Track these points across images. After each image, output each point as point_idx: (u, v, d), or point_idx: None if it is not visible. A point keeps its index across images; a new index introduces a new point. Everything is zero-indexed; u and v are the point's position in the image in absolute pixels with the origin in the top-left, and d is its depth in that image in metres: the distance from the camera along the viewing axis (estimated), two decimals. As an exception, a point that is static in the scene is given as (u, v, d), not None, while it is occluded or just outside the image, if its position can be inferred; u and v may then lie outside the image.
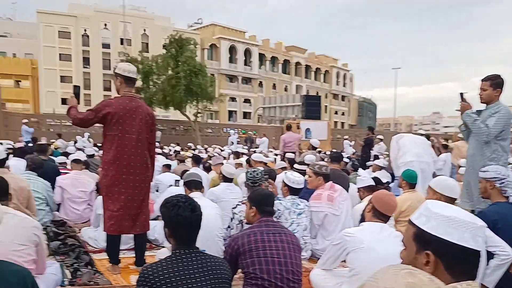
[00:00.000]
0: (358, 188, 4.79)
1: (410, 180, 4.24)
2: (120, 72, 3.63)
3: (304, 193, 4.42)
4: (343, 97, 67.79)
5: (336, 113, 65.16)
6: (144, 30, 46.02)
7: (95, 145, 14.29)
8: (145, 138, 3.69)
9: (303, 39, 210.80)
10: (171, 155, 12.08)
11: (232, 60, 52.45)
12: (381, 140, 11.96)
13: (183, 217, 2.02)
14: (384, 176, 6.84)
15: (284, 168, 6.87)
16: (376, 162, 7.93)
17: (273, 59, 57.98)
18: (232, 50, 52.21)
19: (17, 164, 5.92)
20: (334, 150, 11.04)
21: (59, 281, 3.17)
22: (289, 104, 28.29)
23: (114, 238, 3.74)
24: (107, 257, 3.98)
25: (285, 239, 2.73)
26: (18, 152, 6.86)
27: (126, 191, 3.59)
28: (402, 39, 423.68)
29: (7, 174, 3.77)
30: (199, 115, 26.18)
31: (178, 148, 16.51)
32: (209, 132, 27.69)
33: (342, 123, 64.83)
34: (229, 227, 4.08)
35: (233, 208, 4.06)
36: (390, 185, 6.50)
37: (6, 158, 4.37)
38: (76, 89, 3.90)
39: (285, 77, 59.22)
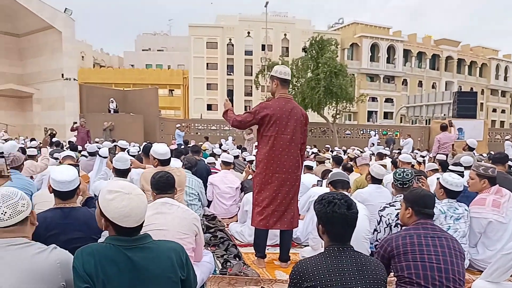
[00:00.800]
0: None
1: None
2: (277, 75, 3.80)
3: (460, 197, 3.97)
4: (503, 93, 59.41)
5: (494, 110, 57.59)
6: (285, 34, 47.08)
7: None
8: (299, 138, 3.81)
9: (455, 31, 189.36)
10: (308, 157, 12.10)
11: (373, 58, 50.43)
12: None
13: (338, 214, 1.97)
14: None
15: (435, 170, 6.32)
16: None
17: (420, 55, 53.80)
18: (373, 48, 50.21)
19: (174, 164, 6.56)
20: (492, 152, 9.78)
21: (212, 270, 3.38)
22: (437, 102, 26.04)
23: (262, 232, 3.90)
24: (253, 251, 4.17)
25: (445, 244, 2.47)
26: (175, 153, 7.56)
27: (277, 188, 3.74)
28: None
29: (181, 171, 4.38)
30: (337, 116, 25.83)
31: (315, 149, 16.52)
32: (347, 133, 27.12)
33: (502, 122, 57.14)
34: (375, 230, 3.87)
35: (380, 210, 3.84)
36: None
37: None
38: (230, 93, 4.17)
39: (433, 73, 54.36)
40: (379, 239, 3.72)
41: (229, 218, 6.02)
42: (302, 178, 6.58)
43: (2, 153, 3.72)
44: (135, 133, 18.64)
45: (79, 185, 2.64)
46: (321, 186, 5.26)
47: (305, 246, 4.63)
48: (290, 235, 4.09)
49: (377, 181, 4.62)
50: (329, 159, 10.80)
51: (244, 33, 46.88)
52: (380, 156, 9.51)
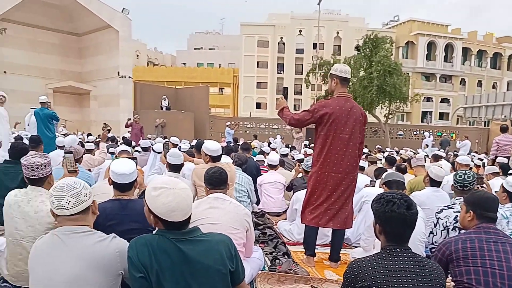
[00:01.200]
0: None
1: None
2: (336, 73, 3.72)
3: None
4: None
5: None
6: (337, 33, 46.38)
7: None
8: (357, 138, 3.75)
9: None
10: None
11: (430, 57, 48.46)
12: None
13: (397, 214, 1.90)
14: None
15: (495, 174, 5.99)
16: None
17: (480, 53, 51.01)
18: (430, 46, 48.25)
19: (224, 161, 6.64)
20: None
21: (262, 266, 3.38)
22: (498, 103, 24.71)
23: (313, 230, 3.88)
24: (302, 250, 4.18)
25: (509, 250, 2.31)
26: (225, 150, 7.65)
27: (332, 188, 3.70)
28: None
29: (231, 166, 4.49)
30: (390, 116, 25.13)
31: (365, 150, 16.15)
32: (399, 134, 26.30)
33: None
34: (431, 233, 3.71)
35: (437, 212, 3.68)
36: None
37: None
38: (285, 90, 4.15)
39: (494, 73, 51.26)
40: (435, 242, 3.59)
41: (277, 216, 6.01)
42: (355, 178, 6.60)
43: (70, 151, 3.93)
44: (186, 130, 19.05)
45: (136, 177, 2.73)
46: (373, 186, 5.14)
47: (356, 247, 4.56)
48: (342, 235, 4.04)
49: (435, 183, 4.43)
50: (381, 159, 10.54)
51: (296, 31, 46.62)
52: (436, 157, 9.12)
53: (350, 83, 24.19)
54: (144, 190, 3.07)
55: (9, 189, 2.90)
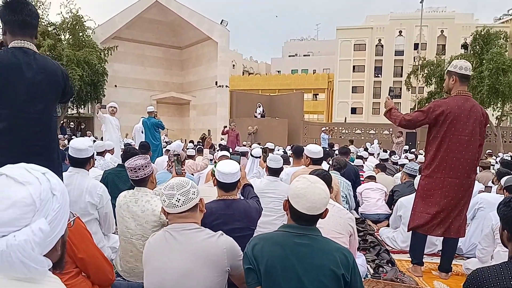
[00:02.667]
0: None
1: None
2: (456, 70, 3.49)
3: None
4: None
5: None
6: (442, 31, 43.66)
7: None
8: (477, 140, 3.46)
9: None
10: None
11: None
12: None
13: None
14: None
15: None
16: None
17: None
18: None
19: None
20: None
21: (364, 273, 3.24)
22: None
23: (422, 238, 3.67)
24: (406, 259, 4.05)
25: None
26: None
27: (449, 194, 3.45)
28: None
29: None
30: (503, 118, 22.87)
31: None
32: (514, 138, 23.84)
33: None
34: None
35: None
36: None
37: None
38: (391, 91, 3.96)
39: None
40: None
41: (379, 223, 5.72)
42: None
43: (178, 154, 4.16)
44: (280, 137, 19.27)
45: (239, 178, 2.81)
46: (489, 192, 4.67)
47: (467, 258, 4.22)
48: (456, 244, 3.75)
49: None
50: (493, 165, 9.66)
51: (395, 32, 44.96)
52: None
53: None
54: (245, 185, 3.13)
55: (121, 191, 3.12)
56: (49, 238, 0.89)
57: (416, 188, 3.88)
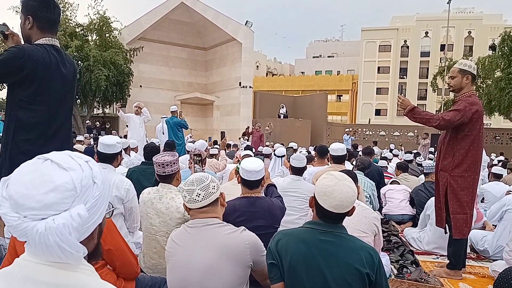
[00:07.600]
0: None
1: None
2: (471, 70, 3.56)
3: None
4: None
5: None
6: (469, 32, 42.80)
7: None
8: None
9: None
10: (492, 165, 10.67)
11: None
12: None
13: None
14: None
15: None
16: None
17: None
18: None
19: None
20: None
21: (388, 273, 3.23)
22: None
23: (466, 242, 3.68)
24: (431, 260, 4.14)
25: None
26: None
27: (475, 191, 3.53)
28: None
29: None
30: (535, 121, 22.14)
31: (501, 157, 14.51)
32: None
33: None
34: None
35: None
36: None
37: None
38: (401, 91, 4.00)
39: None
40: None
41: (404, 223, 5.65)
42: (489, 187, 6.00)
43: (199, 154, 4.22)
44: (303, 138, 19.18)
45: (263, 177, 2.81)
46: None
47: (494, 260, 4.14)
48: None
49: None
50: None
51: (421, 33, 44.30)
52: None
53: (484, 85, 22.08)
54: (268, 185, 3.16)
55: (145, 188, 3.16)
56: (87, 225, 0.90)
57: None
